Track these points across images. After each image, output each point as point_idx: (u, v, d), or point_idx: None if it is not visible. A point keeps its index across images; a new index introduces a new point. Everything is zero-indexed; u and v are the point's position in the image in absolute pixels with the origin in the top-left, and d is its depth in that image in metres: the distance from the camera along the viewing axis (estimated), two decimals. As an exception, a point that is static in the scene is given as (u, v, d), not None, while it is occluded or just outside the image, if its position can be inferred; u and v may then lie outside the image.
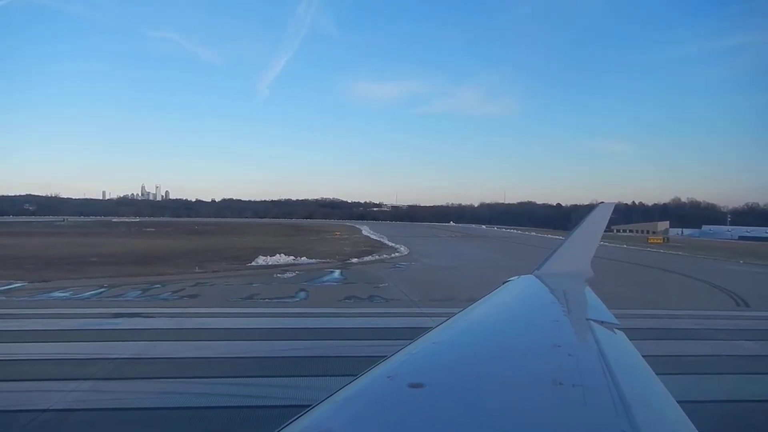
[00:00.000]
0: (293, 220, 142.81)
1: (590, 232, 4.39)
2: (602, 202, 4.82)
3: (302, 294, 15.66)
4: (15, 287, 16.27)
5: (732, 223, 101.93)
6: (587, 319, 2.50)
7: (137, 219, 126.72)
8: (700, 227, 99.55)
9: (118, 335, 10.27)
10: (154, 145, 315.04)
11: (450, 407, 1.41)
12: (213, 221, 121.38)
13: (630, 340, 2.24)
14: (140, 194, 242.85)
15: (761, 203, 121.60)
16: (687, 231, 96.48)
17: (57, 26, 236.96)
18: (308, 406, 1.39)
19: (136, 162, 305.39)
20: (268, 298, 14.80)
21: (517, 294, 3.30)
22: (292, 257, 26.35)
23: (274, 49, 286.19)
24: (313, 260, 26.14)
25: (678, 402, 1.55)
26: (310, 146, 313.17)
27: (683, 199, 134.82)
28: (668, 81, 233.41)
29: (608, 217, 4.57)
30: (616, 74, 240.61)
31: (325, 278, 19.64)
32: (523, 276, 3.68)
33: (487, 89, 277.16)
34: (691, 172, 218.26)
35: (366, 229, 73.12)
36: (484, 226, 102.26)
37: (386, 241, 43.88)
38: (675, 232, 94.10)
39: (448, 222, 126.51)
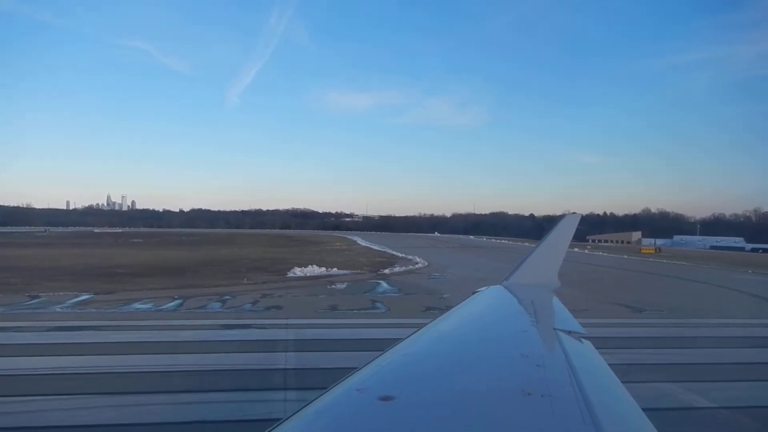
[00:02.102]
0: (273, 231, 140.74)
1: (557, 243, 4.43)
2: (573, 213, 4.85)
3: (380, 305, 16.01)
4: (84, 299, 16.23)
5: (701, 233, 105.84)
6: (555, 329, 2.53)
7: (120, 230, 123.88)
8: (670, 237, 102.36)
9: (260, 346, 10.61)
10: (120, 155, 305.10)
11: (420, 420, 1.41)
12: (196, 232, 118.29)
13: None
14: (106, 204, 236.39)
15: (727, 214, 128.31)
16: (660, 241, 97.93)
17: (23, 32, 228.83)
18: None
19: (101, 172, 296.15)
20: (355, 309, 15.19)
21: (486, 305, 3.34)
22: (323, 268, 26.80)
23: (245, 59, 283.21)
24: (346, 271, 26.60)
25: (644, 409, 1.62)
26: (281, 156, 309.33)
27: (653, 210, 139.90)
28: (637, 93, 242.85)
29: (574, 228, 4.62)
30: (587, 86, 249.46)
31: (380, 289, 19.85)
32: (492, 286, 3.74)
33: (460, 100, 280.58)
34: (660, 183, 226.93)
35: (360, 240, 72.41)
36: (472, 237, 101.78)
37: (395, 253, 43.55)
38: (648, 242, 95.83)
39: (433, 233, 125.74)
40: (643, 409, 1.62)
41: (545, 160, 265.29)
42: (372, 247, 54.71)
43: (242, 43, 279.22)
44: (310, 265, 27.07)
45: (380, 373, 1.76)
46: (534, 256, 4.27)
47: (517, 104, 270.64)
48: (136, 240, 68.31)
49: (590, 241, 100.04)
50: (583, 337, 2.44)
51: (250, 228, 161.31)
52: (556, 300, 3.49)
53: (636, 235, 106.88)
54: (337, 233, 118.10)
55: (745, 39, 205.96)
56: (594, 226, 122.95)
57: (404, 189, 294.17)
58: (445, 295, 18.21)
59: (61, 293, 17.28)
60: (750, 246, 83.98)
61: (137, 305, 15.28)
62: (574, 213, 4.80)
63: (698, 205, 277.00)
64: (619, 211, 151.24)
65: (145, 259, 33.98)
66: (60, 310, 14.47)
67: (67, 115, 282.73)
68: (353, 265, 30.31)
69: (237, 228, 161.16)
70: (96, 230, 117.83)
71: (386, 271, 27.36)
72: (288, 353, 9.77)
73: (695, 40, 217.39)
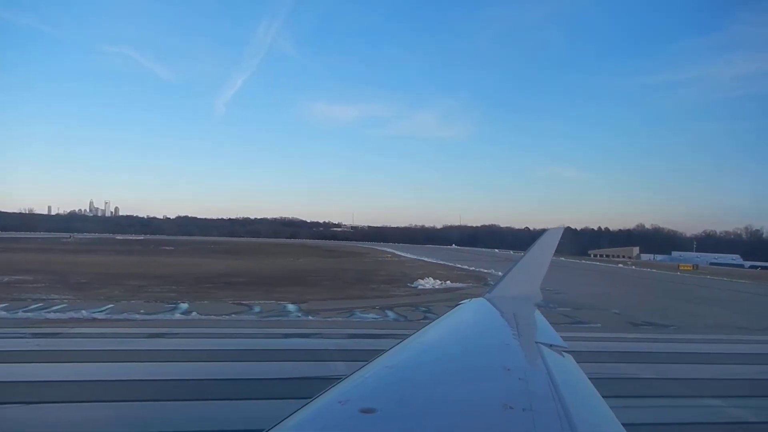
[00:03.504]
0: (288, 240, 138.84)
1: (540, 257, 4.39)
2: (557, 227, 4.76)
3: (584, 319, 15.76)
4: (296, 307, 16.22)
5: (703, 250, 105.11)
6: (536, 342, 2.52)
7: (141, 237, 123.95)
8: (667, 253, 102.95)
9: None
10: (104, 161, 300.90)
11: None
12: (208, 240, 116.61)
13: None
14: (89, 210, 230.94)
15: (718, 231, 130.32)
16: (659, 257, 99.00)
17: (7, 37, 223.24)
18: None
19: (84, 177, 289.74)
20: (578, 323, 15.11)
21: (468, 317, 3.33)
22: (439, 281, 27.59)
23: (232, 68, 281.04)
24: (462, 284, 27.27)
25: (624, 425, 1.60)
26: (267, 165, 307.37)
27: (647, 226, 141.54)
28: (628, 110, 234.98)
29: (557, 242, 4.55)
30: (576, 101, 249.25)
31: (541, 303, 19.75)
32: (474, 299, 3.73)
33: (445, 113, 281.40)
34: (651, 199, 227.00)
35: (399, 252, 69.67)
36: (497, 250, 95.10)
37: (461, 266, 41.54)
38: (646, 257, 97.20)
39: (450, 245, 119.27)
40: (623, 425, 1.61)
41: (534, 174, 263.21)
42: (423, 258, 52.95)
43: (229, 53, 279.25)
44: (427, 278, 28.00)
45: (362, 386, 1.77)
46: (517, 269, 4.25)
47: (504, 118, 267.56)
48: (167, 247, 66.31)
49: (591, 255, 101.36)
50: (564, 351, 2.44)
51: (251, 237, 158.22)
52: (538, 313, 3.49)
53: (635, 250, 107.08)
54: (361, 244, 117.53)
55: (730, 59, 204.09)
56: (591, 241, 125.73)
57: (389, 200, 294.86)
58: (614, 310, 18.20)
59: (265, 301, 17.31)
60: (749, 263, 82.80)
61: (362, 314, 15.27)
62: (556, 228, 4.73)
63: (688, 221, 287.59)
64: (613, 226, 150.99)
65: (236, 268, 33.35)
66: (316, 318, 14.39)
67: (51, 119, 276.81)
68: (458, 278, 30.10)
69: (234, 236, 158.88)
70: (118, 237, 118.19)
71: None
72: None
73: (682, 58, 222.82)
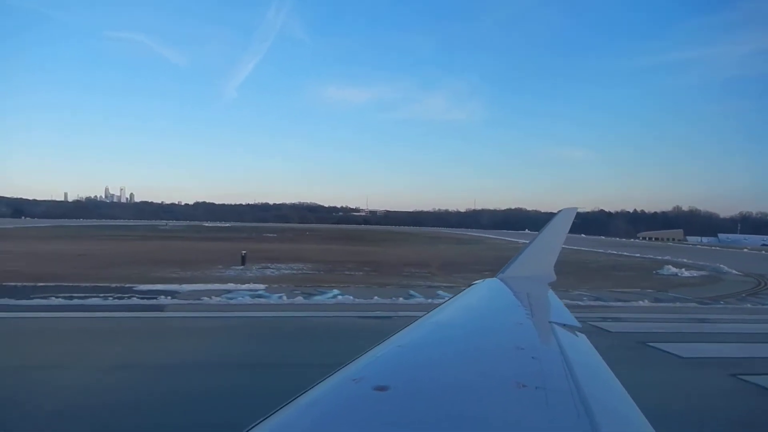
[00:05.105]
0: (345, 227, 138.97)
1: (554, 237, 4.38)
2: (575, 207, 4.74)
3: None
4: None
5: (730, 232, 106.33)
6: (550, 322, 2.51)
7: (228, 224, 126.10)
8: (709, 236, 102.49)
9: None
10: (118, 147, 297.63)
11: (415, 410, 1.42)
12: (271, 226, 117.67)
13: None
14: (104, 196, 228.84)
15: (754, 212, 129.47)
16: (705, 239, 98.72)
17: (20, 24, 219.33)
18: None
19: (98, 163, 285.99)
20: None
21: (481, 297, 3.32)
22: (683, 269, 28.26)
23: (242, 52, 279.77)
24: (701, 272, 27.98)
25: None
26: (279, 150, 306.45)
27: (684, 208, 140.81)
28: (651, 95, 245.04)
29: (571, 222, 4.53)
30: (601, 84, 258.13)
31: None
32: (488, 279, 3.72)
33: (454, 96, 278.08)
34: (683, 181, 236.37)
35: (509, 237, 72.08)
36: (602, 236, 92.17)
37: (627, 252, 43.56)
38: (693, 240, 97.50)
39: (523, 229, 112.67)
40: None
41: (559, 157, 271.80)
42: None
43: (240, 37, 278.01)
44: (666, 266, 28.91)
45: (376, 364, 1.78)
46: (530, 249, 4.23)
47: (521, 101, 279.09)
48: (269, 234, 71.31)
49: (640, 238, 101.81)
50: (578, 331, 2.42)
51: (283, 222, 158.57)
52: (551, 293, 3.47)
53: (678, 233, 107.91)
54: (447, 230, 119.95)
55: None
56: (630, 223, 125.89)
57: (403, 184, 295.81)
58: None
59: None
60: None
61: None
62: (570, 207, 4.71)
63: (722, 203, 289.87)
64: (649, 209, 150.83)
65: (424, 255, 36.99)
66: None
67: (64, 106, 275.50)
68: (690, 266, 30.84)
69: (267, 222, 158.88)
70: (207, 224, 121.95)
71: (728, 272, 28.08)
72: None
73: (688, 37, 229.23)
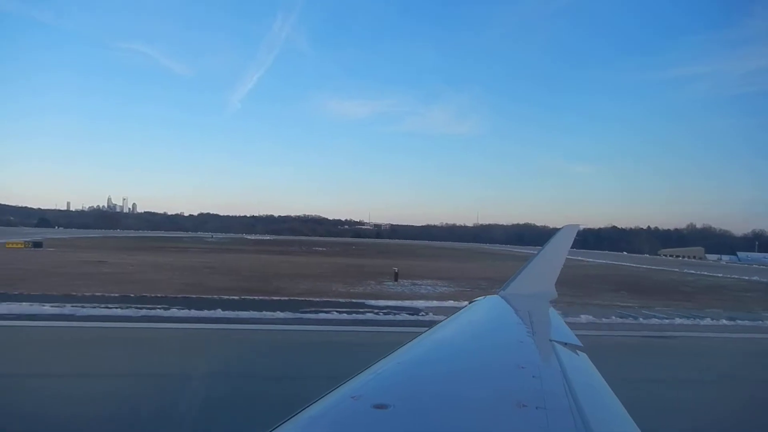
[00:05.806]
0: (364, 240, 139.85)
1: (555, 254, 4.34)
2: (577, 224, 4.70)
3: None
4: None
5: (743, 250, 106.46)
6: (551, 340, 2.50)
7: (269, 237, 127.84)
8: (728, 254, 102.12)
9: None
10: (121, 157, 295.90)
11: (414, 429, 1.41)
12: (302, 240, 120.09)
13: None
14: (107, 206, 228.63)
15: (766, 230, 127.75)
16: (725, 257, 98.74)
17: (25, 34, 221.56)
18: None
19: (101, 173, 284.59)
20: None
21: (482, 314, 3.31)
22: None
23: (247, 64, 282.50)
24: None
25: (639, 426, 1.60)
26: (282, 162, 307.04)
27: (698, 225, 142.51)
28: (664, 109, 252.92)
29: (572, 238, 4.51)
30: (604, 99, 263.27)
31: None
32: (489, 296, 3.71)
33: (458, 109, 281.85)
34: (698, 197, 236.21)
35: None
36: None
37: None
38: (712, 257, 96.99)
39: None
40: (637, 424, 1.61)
41: (565, 172, 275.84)
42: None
43: (244, 49, 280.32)
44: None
45: (375, 381, 1.77)
46: (532, 266, 4.21)
47: (526, 114, 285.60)
48: (319, 248, 72.62)
49: (662, 255, 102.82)
50: (579, 350, 2.40)
51: (295, 235, 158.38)
52: (552, 311, 3.45)
53: (699, 250, 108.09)
54: (486, 246, 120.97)
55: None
56: (645, 241, 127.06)
57: (403, 198, 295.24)
58: None
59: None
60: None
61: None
62: (572, 224, 4.69)
63: (733, 220, 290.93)
64: (661, 226, 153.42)
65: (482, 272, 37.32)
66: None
67: (69, 116, 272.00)
68: None
69: (280, 235, 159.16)
70: (249, 237, 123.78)
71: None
72: None
73: (697, 52, 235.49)
